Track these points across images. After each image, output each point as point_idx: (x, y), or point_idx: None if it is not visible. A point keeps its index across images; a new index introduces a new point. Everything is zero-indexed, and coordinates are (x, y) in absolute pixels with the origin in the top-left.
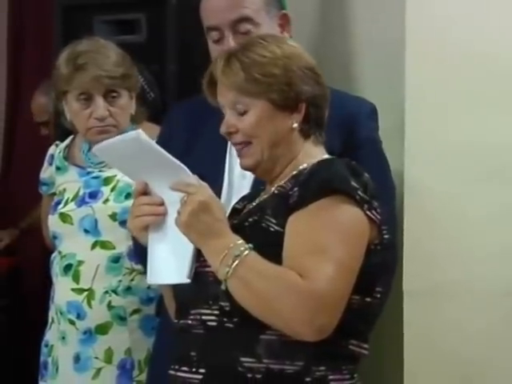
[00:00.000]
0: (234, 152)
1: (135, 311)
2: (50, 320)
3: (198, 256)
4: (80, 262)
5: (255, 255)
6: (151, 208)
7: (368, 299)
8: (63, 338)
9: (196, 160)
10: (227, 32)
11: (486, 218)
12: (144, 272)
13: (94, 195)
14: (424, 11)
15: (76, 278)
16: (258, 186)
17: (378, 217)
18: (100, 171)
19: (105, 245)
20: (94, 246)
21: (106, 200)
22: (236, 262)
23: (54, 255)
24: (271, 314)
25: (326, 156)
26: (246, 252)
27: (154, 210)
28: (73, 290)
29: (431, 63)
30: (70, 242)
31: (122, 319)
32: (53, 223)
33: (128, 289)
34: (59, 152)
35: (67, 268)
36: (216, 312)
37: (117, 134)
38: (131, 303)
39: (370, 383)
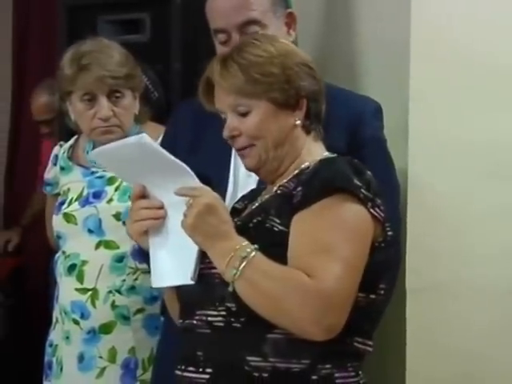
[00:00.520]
0: None
1: (139, 310)
2: (54, 320)
3: (203, 258)
4: (84, 262)
5: (261, 256)
6: (150, 212)
7: (372, 296)
8: (67, 337)
9: (201, 160)
10: (234, 34)
11: (488, 216)
12: (149, 271)
13: (97, 195)
14: (429, 11)
15: (80, 278)
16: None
17: (382, 214)
18: (104, 171)
19: (109, 244)
20: (97, 246)
21: (110, 200)
22: (243, 263)
23: (57, 255)
24: (280, 314)
25: (326, 153)
26: (253, 253)
27: (154, 213)
28: (77, 289)
29: (435, 63)
30: (73, 241)
31: (125, 319)
32: (57, 223)
33: (132, 288)
34: (63, 152)
35: (71, 268)
36: (223, 313)
37: (121, 133)
38: (135, 303)
39: (372, 380)
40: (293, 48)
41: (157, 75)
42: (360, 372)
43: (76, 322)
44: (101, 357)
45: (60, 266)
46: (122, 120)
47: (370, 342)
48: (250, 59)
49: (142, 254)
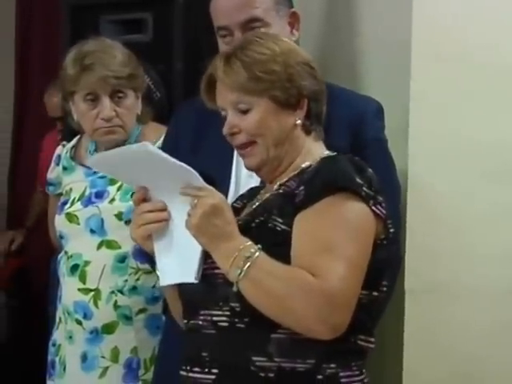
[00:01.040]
0: None
1: (141, 311)
2: (57, 320)
3: (206, 257)
4: (86, 263)
5: (265, 256)
6: (154, 215)
7: (375, 293)
8: (70, 337)
9: (203, 160)
10: (237, 32)
11: (488, 217)
12: (150, 271)
13: (100, 195)
14: (430, 11)
15: (83, 278)
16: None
17: (384, 211)
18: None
19: (110, 244)
20: (100, 246)
21: (112, 199)
22: (247, 263)
23: (60, 255)
24: (284, 314)
25: (327, 152)
26: (257, 253)
27: (157, 216)
28: (79, 290)
29: (436, 63)
30: (76, 241)
31: (127, 319)
32: (59, 223)
33: (133, 288)
34: (66, 152)
35: (74, 268)
36: (227, 313)
37: (123, 134)
38: (137, 303)
39: (370, 380)
40: (295, 47)
41: (159, 75)
42: (364, 371)
43: (79, 322)
44: (103, 357)
45: (63, 266)
46: (125, 120)
47: (372, 339)
48: (253, 57)
49: (144, 255)
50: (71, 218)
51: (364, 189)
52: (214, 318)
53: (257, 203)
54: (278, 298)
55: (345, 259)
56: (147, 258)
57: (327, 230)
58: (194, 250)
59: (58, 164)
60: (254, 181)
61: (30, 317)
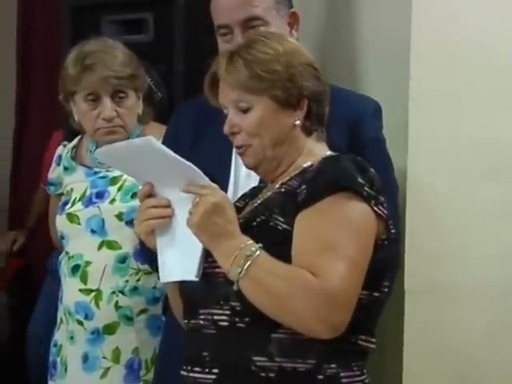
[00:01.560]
0: None
1: (142, 311)
2: (58, 320)
3: (207, 256)
4: (87, 263)
5: (266, 255)
6: (158, 211)
7: (376, 294)
8: (71, 337)
9: (202, 159)
10: (237, 30)
11: (488, 217)
12: (150, 272)
13: (100, 195)
14: (430, 11)
15: (84, 279)
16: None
17: (385, 212)
18: (107, 171)
19: (111, 245)
20: (100, 246)
21: (113, 200)
22: (248, 262)
23: (61, 256)
24: (285, 313)
25: (330, 152)
26: (258, 252)
27: (161, 212)
28: (81, 290)
29: (436, 63)
30: (76, 242)
31: (128, 319)
32: (60, 223)
33: (134, 289)
34: (67, 152)
35: (75, 269)
36: (227, 312)
37: (124, 134)
38: (138, 303)
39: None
40: (300, 48)
41: (160, 75)
42: (365, 371)
43: (80, 323)
44: (105, 357)
45: (64, 266)
46: (126, 120)
47: (373, 339)
48: (256, 56)
49: (145, 255)
50: (72, 218)
51: (366, 189)
52: (215, 317)
53: (258, 202)
54: (279, 297)
55: (346, 259)
56: (148, 258)
57: (328, 230)
58: (196, 248)
59: (58, 164)
60: (253, 180)
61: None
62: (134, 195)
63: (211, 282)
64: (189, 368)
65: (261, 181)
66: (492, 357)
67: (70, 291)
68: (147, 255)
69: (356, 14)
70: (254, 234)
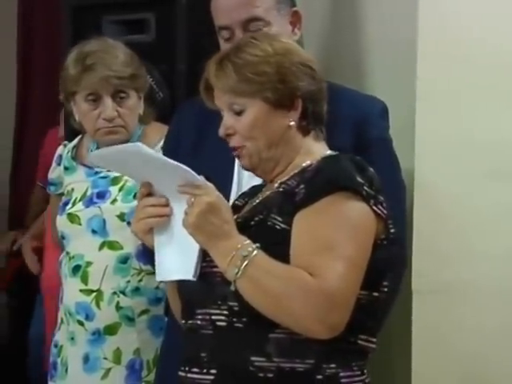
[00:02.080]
0: None
1: (143, 312)
2: (59, 320)
3: (204, 256)
4: (88, 263)
5: (263, 255)
6: (156, 209)
7: (375, 294)
8: (72, 338)
9: (204, 159)
10: (238, 31)
11: (496, 217)
12: (153, 272)
13: (101, 195)
14: (436, 10)
15: (84, 279)
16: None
17: (385, 211)
18: (108, 171)
19: (112, 245)
20: (101, 247)
21: (114, 200)
22: (245, 262)
23: (61, 256)
24: (282, 313)
25: (329, 152)
26: (255, 252)
27: (159, 211)
28: (81, 290)
29: (442, 62)
30: (77, 242)
31: (130, 320)
32: (61, 224)
33: (136, 289)
34: (67, 152)
35: (76, 269)
36: (225, 312)
37: (125, 134)
38: (139, 304)
39: (378, 381)
40: (293, 47)
41: (161, 75)
42: (365, 371)
43: (81, 323)
44: (106, 358)
45: (64, 267)
46: (127, 120)
47: (374, 340)
48: (245, 58)
49: (147, 255)
50: (73, 218)
51: (365, 188)
52: (213, 318)
53: (257, 201)
54: (276, 297)
55: (344, 258)
56: (150, 258)
57: (327, 229)
58: (193, 248)
59: (59, 164)
60: (256, 180)
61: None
62: (135, 195)
63: (209, 282)
64: (187, 369)
65: (264, 180)
66: (501, 357)
67: (71, 291)
68: (150, 255)
69: (361, 13)
70: (252, 233)
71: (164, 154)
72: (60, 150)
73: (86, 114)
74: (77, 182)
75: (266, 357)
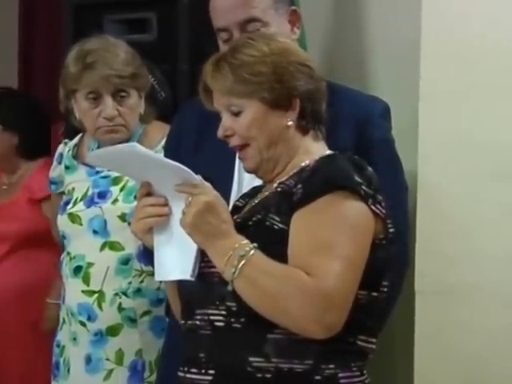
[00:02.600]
0: None
1: (145, 313)
2: (60, 320)
3: (202, 256)
4: (90, 264)
5: (261, 255)
6: (155, 209)
7: (374, 294)
8: (74, 338)
9: (206, 159)
10: (236, 32)
11: (499, 218)
12: (154, 273)
13: (102, 195)
14: (439, 11)
15: (86, 280)
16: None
17: (383, 211)
18: (109, 170)
19: (114, 246)
20: (103, 247)
21: (115, 200)
22: (242, 262)
23: (62, 256)
24: (279, 313)
25: (328, 151)
26: (252, 252)
27: (158, 211)
28: (83, 291)
29: (445, 63)
30: (78, 242)
31: (132, 321)
32: (62, 223)
33: (138, 291)
34: (68, 151)
35: (77, 270)
36: (223, 312)
37: (126, 133)
38: (141, 305)
39: (380, 382)
40: (291, 47)
41: (163, 75)
42: (365, 371)
43: (83, 324)
44: (108, 359)
45: (65, 267)
46: (127, 119)
47: (374, 340)
48: (242, 59)
49: (147, 256)
50: (74, 218)
51: (363, 187)
52: (211, 318)
53: (256, 201)
54: (273, 297)
55: (342, 258)
56: (151, 259)
57: (324, 229)
58: (191, 248)
59: (59, 162)
60: (257, 180)
61: None
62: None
63: (207, 282)
64: (186, 369)
65: (264, 181)
66: (503, 358)
67: (73, 292)
68: (150, 256)
69: (364, 13)
70: (250, 233)
71: (165, 154)
72: (60, 148)
73: (87, 113)
74: (77, 182)
75: (264, 357)
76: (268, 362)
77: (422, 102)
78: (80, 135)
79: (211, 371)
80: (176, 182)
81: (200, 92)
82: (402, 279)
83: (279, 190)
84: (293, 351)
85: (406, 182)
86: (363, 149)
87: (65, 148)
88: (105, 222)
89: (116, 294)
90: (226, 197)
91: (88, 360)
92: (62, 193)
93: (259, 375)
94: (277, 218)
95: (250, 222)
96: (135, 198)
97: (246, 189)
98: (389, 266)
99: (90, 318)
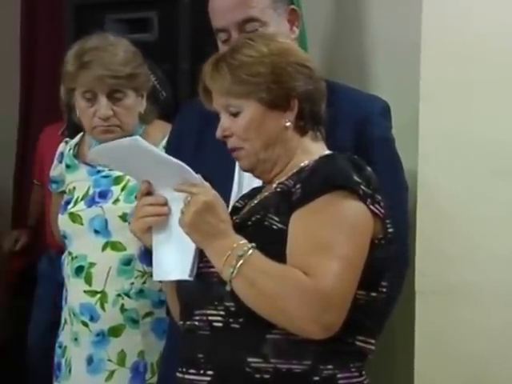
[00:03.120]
0: None
1: (147, 314)
2: (62, 320)
3: (201, 256)
4: (91, 264)
5: (259, 254)
6: (154, 208)
7: (373, 294)
8: (76, 339)
9: (206, 159)
10: (234, 33)
11: (499, 217)
12: None
13: (103, 195)
14: (440, 11)
15: (88, 280)
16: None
17: (382, 211)
18: (110, 170)
19: (115, 246)
20: (104, 247)
21: (116, 200)
22: (240, 262)
23: (64, 256)
24: (277, 313)
25: (327, 152)
26: (250, 251)
27: (158, 210)
28: (85, 292)
29: (446, 63)
30: (80, 242)
31: (134, 322)
32: (63, 223)
33: (140, 292)
34: (69, 149)
35: (79, 270)
36: (222, 312)
37: (121, 133)
38: (143, 306)
39: (380, 382)
40: (290, 47)
41: (165, 74)
42: (363, 372)
43: (85, 324)
44: (110, 360)
45: (67, 267)
46: (123, 120)
47: (373, 341)
48: (240, 60)
49: (149, 257)
50: (75, 217)
51: (362, 187)
52: (210, 318)
53: (255, 202)
54: (271, 297)
55: (340, 258)
56: (152, 260)
57: (323, 229)
58: (190, 247)
59: (60, 162)
60: (257, 181)
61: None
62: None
63: (206, 282)
64: (184, 370)
65: (263, 181)
66: (504, 358)
67: (75, 292)
68: (151, 257)
69: (365, 14)
70: (249, 233)
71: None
72: (61, 147)
73: (84, 111)
74: (78, 181)
75: (262, 358)
76: (266, 363)
77: (422, 101)
78: (81, 134)
79: (210, 372)
80: (176, 181)
81: (200, 92)
82: (401, 279)
83: (278, 190)
84: (291, 352)
85: (406, 181)
86: (363, 148)
87: (66, 147)
88: (106, 221)
89: (118, 295)
90: (226, 197)
91: (90, 361)
92: (63, 192)
93: (258, 376)
94: (276, 218)
95: (249, 222)
96: (136, 197)
97: (246, 189)
98: (388, 266)
99: (92, 319)
